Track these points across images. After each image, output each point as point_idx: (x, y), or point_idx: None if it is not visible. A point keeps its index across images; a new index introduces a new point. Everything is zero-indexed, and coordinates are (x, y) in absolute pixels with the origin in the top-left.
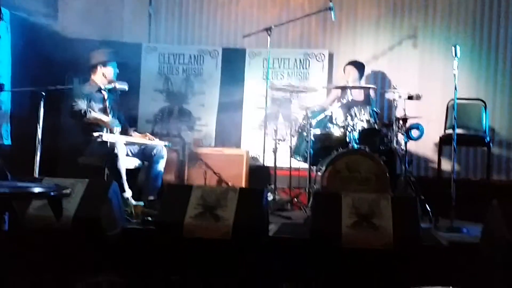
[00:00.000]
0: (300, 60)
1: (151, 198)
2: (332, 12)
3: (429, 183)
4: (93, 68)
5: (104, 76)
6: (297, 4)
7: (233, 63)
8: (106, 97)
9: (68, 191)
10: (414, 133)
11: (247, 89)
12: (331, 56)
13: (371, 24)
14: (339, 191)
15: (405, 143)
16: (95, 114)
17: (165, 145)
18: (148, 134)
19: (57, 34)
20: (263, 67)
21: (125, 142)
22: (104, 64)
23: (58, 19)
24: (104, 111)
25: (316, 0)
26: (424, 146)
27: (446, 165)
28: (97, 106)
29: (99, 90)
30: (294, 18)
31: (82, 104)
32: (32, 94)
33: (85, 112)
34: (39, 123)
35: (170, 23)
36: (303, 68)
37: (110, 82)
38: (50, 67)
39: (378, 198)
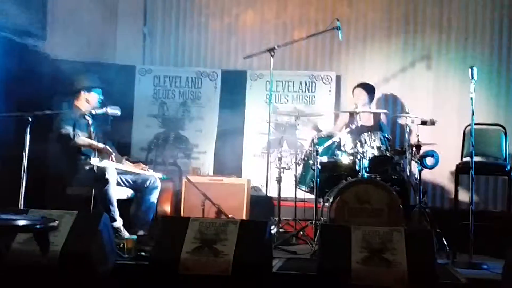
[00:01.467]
0: (306, 83)
1: (141, 232)
2: (339, 32)
3: (446, 215)
4: (76, 93)
5: (87, 102)
6: (302, 24)
7: (233, 86)
8: (90, 123)
9: (55, 223)
10: (429, 161)
11: (248, 114)
12: (338, 79)
13: (382, 44)
14: (348, 223)
15: (419, 171)
16: (84, 138)
17: (160, 178)
18: (141, 163)
19: (45, 56)
20: (266, 90)
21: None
22: (88, 89)
23: (47, 39)
24: (88, 138)
25: (322, 19)
26: (440, 175)
27: (463, 196)
28: (82, 133)
29: (83, 116)
30: (299, 38)
31: (69, 128)
32: (18, 119)
33: (73, 136)
34: (25, 151)
35: (166, 44)
36: (308, 91)
37: (95, 108)
38: (38, 91)
39: (391, 231)
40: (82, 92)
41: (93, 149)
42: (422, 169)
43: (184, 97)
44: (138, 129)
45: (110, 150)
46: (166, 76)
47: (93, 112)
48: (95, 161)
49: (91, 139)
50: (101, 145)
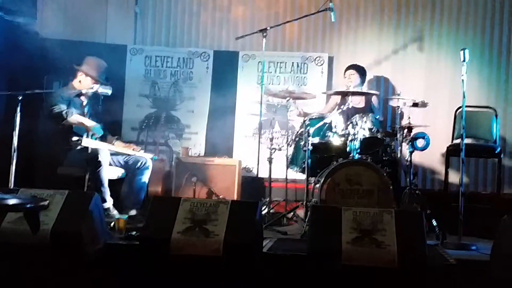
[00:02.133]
0: (298, 64)
1: (132, 213)
2: (332, 13)
3: (436, 196)
4: (76, 72)
5: (80, 82)
6: (294, 5)
7: (225, 66)
8: (85, 103)
9: (45, 203)
10: (420, 142)
11: (240, 95)
12: (330, 60)
13: (374, 26)
14: (339, 204)
15: (410, 153)
16: (77, 116)
17: (151, 158)
18: (133, 145)
19: (35, 35)
20: (258, 71)
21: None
22: (92, 77)
23: (37, 18)
24: (82, 114)
25: (315, 0)
26: (430, 157)
27: (453, 178)
28: (75, 112)
29: (79, 94)
30: (291, 19)
31: (62, 106)
32: (8, 98)
33: (66, 114)
34: (15, 130)
35: (158, 23)
36: (300, 73)
37: (89, 87)
38: (28, 70)
39: (381, 212)
40: (81, 73)
41: (85, 128)
42: (413, 151)
43: (175, 77)
44: (129, 109)
45: (93, 130)
46: (158, 56)
47: (83, 91)
48: (87, 141)
49: (84, 116)
50: (93, 123)
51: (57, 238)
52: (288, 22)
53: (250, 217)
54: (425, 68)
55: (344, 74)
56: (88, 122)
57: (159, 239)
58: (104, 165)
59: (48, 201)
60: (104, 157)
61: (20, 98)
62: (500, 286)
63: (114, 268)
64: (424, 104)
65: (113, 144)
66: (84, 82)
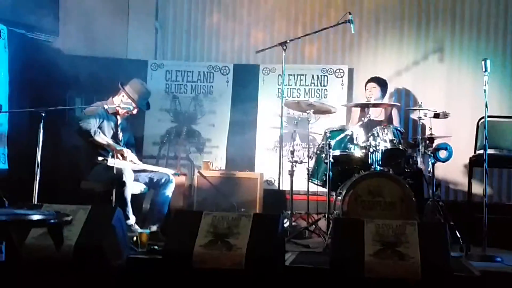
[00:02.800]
0: (318, 77)
1: (154, 228)
2: (351, 25)
3: (459, 208)
4: (119, 91)
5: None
6: (314, 17)
7: (245, 80)
8: (119, 122)
9: (69, 218)
10: (442, 154)
11: (260, 108)
12: (350, 72)
13: (394, 37)
14: (361, 217)
15: (432, 164)
16: (104, 137)
17: (173, 174)
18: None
19: (58, 51)
20: (278, 84)
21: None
22: (133, 100)
23: (59, 35)
24: (114, 136)
25: (334, 12)
26: (453, 168)
27: (477, 188)
28: (108, 130)
29: (115, 113)
30: (311, 31)
31: (92, 123)
32: (31, 115)
33: (94, 132)
34: (38, 146)
35: (178, 38)
36: (320, 85)
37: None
38: (51, 87)
39: (404, 224)
40: (122, 92)
41: (110, 150)
42: (435, 162)
43: (196, 92)
44: (150, 124)
45: (126, 153)
46: (178, 71)
47: (105, 107)
48: (112, 162)
49: (117, 138)
50: (118, 148)
51: (81, 252)
52: (308, 35)
53: (272, 230)
54: (446, 79)
55: (366, 86)
56: (115, 147)
57: (182, 252)
58: (128, 185)
59: (71, 217)
60: (129, 177)
61: (43, 114)
62: None
63: (137, 282)
64: (445, 115)
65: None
66: (124, 103)
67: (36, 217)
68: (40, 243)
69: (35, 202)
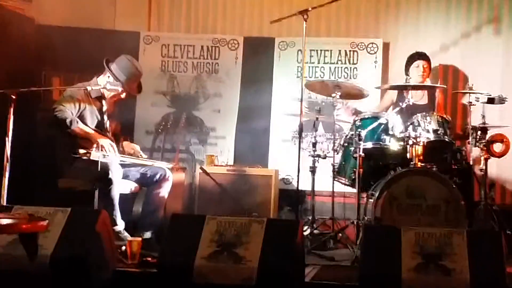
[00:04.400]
0: (346, 53)
1: (147, 235)
2: None
3: None
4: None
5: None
6: None
7: (257, 56)
8: (105, 107)
9: (45, 223)
10: (497, 147)
11: (276, 91)
12: (386, 47)
13: (440, 4)
14: (398, 224)
15: (486, 160)
16: (84, 127)
17: (168, 168)
18: (135, 147)
19: (31, 21)
20: (297, 61)
21: (119, 162)
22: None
23: (33, 1)
24: (99, 124)
25: None
26: (511, 165)
27: None
28: (91, 116)
29: (100, 97)
30: None
31: (69, 111)
32: None
33: (70, 122)
34: (7, 135)
35: (177, 5)
36: (349, 63)
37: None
38: (23, 63)
39: (450, 233)
40: (108, 74)
41: (91, 141)
42: (489, 158)
43: (198, 70)
44: (142, 109)
45: (113, 148)
46: (177, 45)
47: (88, 89)
48: (96, 155)
49: (103, 126)
50: (103, 141)
51: (58, 264)
52: (334, 1)
53: (290, 239)
54: (503, 56)
55: (410, 64)
56: (98, 136)
57: (180, 266)
58: (115, 184)
59: (47, 221)
60: (116, 173)
61: (13, 96)
62: None
63: None
64: (502, 100)
65: (122, 146)
66: (111, 84)
67: (5, 221)
68: (10, 253)
69: (4, 204)
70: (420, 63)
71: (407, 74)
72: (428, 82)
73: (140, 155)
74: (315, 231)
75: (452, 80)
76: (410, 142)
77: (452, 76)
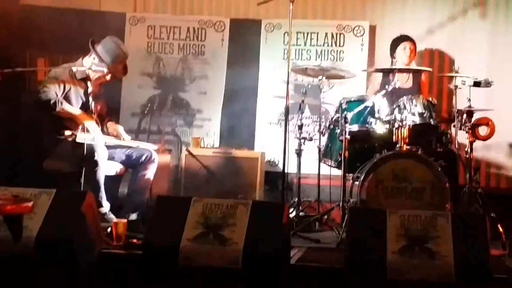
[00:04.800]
0: (333, 35)
1: (133, 216)
2: None
3: (502, 197)
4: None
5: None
6: None
7: (244, 38)
8: (90, 89)
9: (30, 204)
10: (482, 130)
11: (262, 73)
12: (372, 30)
13: None
14: (383, 206)
15: (471, 143)
16: (69, 107)
17: (154, 149)
18: (118, 128)
19: (16, 1)
20: (284, 43)
21: (105, 144)
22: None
23: None
24: (84, 105)
25: None
26: (495, 148)
27: None
28: (76, 98)
29: (85, 79)
30: None
31: (53, 92)
32: None
33: (54, 103)
34: None
35: None
36: (336, 45)
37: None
38: (6, 44)
39: (435, 216)
40: (95, 54)
41: (77, 123)
42: (474, 141)
43: (184, 52)
44: (128, 91)
45: (96, 129)
46: (163, 26)
47: (74, 70)
48: (82, 137)
49: (88, 108)
50: (88, 123)
51: (44, 246)
52: None
53: (275, 222)
54: (489, 39)
55: (396, 47)
56: (83, 117)
57: (166, 247)
58: (101, 165)
59: (32, 202)
60: (102, 155)
61: None
62: None
63: (111, 282)
64: (487, 83)
65: (107, 129)
66: (96, 65)
67: None
68: None
69: None
70: (406, 44)
71: (392, 57)
72: (413, 65)
73: (123, 137)
74: (301, 213)
75: (438, 64)
76: (396, 125)
77: (438, 60)
